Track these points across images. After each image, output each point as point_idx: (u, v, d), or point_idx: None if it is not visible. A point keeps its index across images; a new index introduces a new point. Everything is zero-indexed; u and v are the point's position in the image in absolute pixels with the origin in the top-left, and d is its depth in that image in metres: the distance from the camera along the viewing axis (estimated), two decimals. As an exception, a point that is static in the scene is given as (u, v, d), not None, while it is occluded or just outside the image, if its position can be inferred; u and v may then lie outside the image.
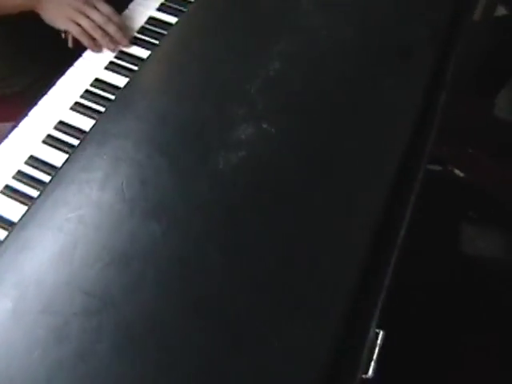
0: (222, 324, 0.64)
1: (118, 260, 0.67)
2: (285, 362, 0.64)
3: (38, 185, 0.84)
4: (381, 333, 0.65)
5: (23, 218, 0.70)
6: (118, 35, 1.00)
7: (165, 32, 1.03)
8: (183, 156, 0.76)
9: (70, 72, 0.99)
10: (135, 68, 0.98)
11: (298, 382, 0.63)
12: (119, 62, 1.00)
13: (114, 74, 0.98)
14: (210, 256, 0.69)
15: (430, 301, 1.29)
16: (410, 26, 0.91)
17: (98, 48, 1.01)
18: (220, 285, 0.67)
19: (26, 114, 0.93)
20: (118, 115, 0.79)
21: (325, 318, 0.67)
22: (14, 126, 0.91)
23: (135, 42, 1.02)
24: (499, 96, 1.67)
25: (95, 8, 0.99)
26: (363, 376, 0.63)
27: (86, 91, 0.96)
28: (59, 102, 0.94)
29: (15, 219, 0.80)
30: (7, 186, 0.85)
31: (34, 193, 0.84)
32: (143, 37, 1.03)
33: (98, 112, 0.93)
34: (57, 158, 0.88)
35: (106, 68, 0.99)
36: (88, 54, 1.01)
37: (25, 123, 0.92)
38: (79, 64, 1.00)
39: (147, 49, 1.01)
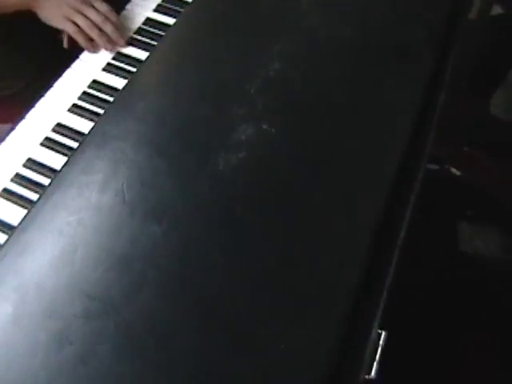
0: (224, 325, 0.64)
1: (119, 262, 0.67)
2: (286, 363, 0.64)
3: (36, 188, 0.84)
4: (383, 333, 0.65)
5: (23, 222, 0.69)
6: (114, 35, 0.99)
7: (162, 33, 1.03)
8: (183, 157, 0.75)
9: (67, 74, 0.98)
10: (133, 69, 0.98)
11: (300, 383, 0.63)
12: (116, 63, 0.99)
13: (112, 76, 0.98)
14: (211, 257, 0.69)
15: (429, 300, 1.29)
16: (408, 26, 0.91)
17: (94, 48, 1.00)
18: (221, 285, 0.67)
19: (23, 117, 0.92)
20: (117, 117, 0.79)
21: (326, 318, 0.67)
22: (12, 129, 0.91)
23: (132, 42, 1.02)
24: (494, 95, 1.67)
25: (92, 6, 0.98)
26: (366, 377, 0.63)
27: (84, 93, 0.95)
28: (57, 104, 0.94)
29: (14, 222, 0.80)
30: (5, 189, 0.84)
31: (32, 196, 0.83)
32: (140, 38, 1.02)
33: (96, 114, 0.92)
34: (55, 160, 0.87)
35: (104, 69, 0.99)
36: (85, 56, 1.00)
37: (22, 125, 0.91)
38: (76, 65, 0.99)
39: (145, 50, 1.01)
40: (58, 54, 1.12)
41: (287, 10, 0.93)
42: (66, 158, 0.87)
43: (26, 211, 0.81)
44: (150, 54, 0.92)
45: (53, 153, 0.88)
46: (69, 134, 0.90)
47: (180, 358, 0.62)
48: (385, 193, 0.75)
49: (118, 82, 0.97)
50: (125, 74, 0.98)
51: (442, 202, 1.43)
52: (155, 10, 1.07)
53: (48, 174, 0.86)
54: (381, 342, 0.65)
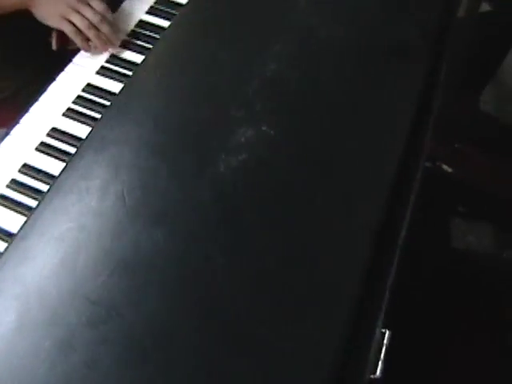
0: (234, 331, 0.64)
1: (121, 267, 0.66)
2: (288, 364, 0.64)
3: (33, 193, 0.83)
4: (387, 332, 0.66)
5: (23, 229, 0.68)
6: (111, 35, 0.98)
7: (155, 35, 1.02)
8: (183, 160, 0.75)
9: (61, 77, 0.97)
10: (127, 72, 0.98)
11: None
12: (110, 66, 0.99)
13: (106, 79, 0.97)
14: (213, 258, 0.69)
15: (422, 297, 1.30)
16: (404, 25, 0.91)
17: (90, 48, 0.98)
18: (226, 289, 0.67)
19: (17, 122, 0.91)
20: (114, 121, 0.78)
21: (328, 318, 0.67)
22: (6, 134, 0.90)
23: (126, 45, 1.01)
24: (484, 91, 1.69)
25: (89, 5, 0.96)
26: (371, 376, 0.63)
27: (78, 97, 0.94)
28: (51, 109, 0.93)
29: (11, 229, 0.79)
30: (1, 196, 0.84)
31: (29, 201, 0.83)
32: (134, 40, 1.02)
33: (91, 118, 0.92)
34: (51, 165, 0.87)
35: (98, 73, 0.98)
36: (78, 59, 0.99)
37: (17, 131, 0.91)
38: (70, 69, 0.98)
39: (138, 52, 1.00)
40: (49, 58, 1.11)
41: (283, 10, 0.93)
42: (62, 163, 0.87)
43: (22, 217, 0.81)
44: (146, 56, 0.91)
45: (48, 158, 0.88)
46: (64, 138, 0.90)
47: (186, 363, 0.62)
48: (385, 192, 0.75)
49: (113, 86, 0.96)
50: (119, 77, 0.97)
51: (434, 198, 1.43)
52: (148, 12, 1.07)
53: (44, 179, 0.85)
54: (385, 341, 0.65)
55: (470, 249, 1.45)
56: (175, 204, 0.72)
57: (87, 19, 0.95)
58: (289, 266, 0.70)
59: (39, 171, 0.86)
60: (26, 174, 0.86)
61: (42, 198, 0.71)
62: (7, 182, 0.85)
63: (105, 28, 0.96)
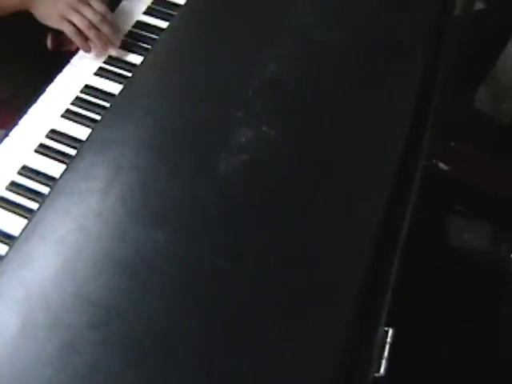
0: (234, 331, 0.64)
1: (123, 268, 0.66)
2: (291, 364, 0.64)
3: (33, 195, 0.83)
4: (390, 331, 0.66)
5: (24, 231, 0.68)
6: (111, 36, 0.97)
7: (153, 36, 1.03)
8: (183, 161, 0.75)
9: (59, 79, 0.97)
10: (125, 73, 0.97)
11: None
12: (108, 67, 0.99)
13: (104, 80, 0.97)
14: (214, 260, 0.69)
15: (419, 296, 1.30)
16: (403, 25, 0.91)
17: (90, 49, 0.97)
18: (226, 289, 0.67)
19: (16, 123, 0.91)
20: (114, 122, 0.78)
21: (331, 318, 0.67)
22: (5, 136, 0.90)
23: (123, 46, 1.00)
24: (479, 90, 1.69)
25: (89, 5, 0.95)
26: (375, 375, 0.64)
27: (77, 98, 0.94)
28: (50, 110, 0.93)
29: (11, 231, 0.79)
30: (1, 198, 0.83)
31: (28, 203, 0.82)
32: (131, 41, 1.01)
33: (90, 119, 0.92)
34: (50, 167, 0.86)
35: (96, 74, 0.98)
36: (76, 61, 0.99)
37: (16, 132, 0.90)
38: (68, 70, 0.98)
39: (136, 53, 1.00)
40: (45, 60, 1.11)
41: (281, 11, 0.93)
42: (61, 165, 0.86)
43: (22, 219, 0.81)
44: (145, 57, 0.91)
45: (48, 159, 0.88)
46: (63, 140, 0.90)
47: (181, 358, 0.62)
48: (385, 192, 0.76)
49: (111, 87, 0.96)
50: (117, 78, 0.97)
51: (430, 197, 1.44)
52: (145, 13, 1.07)
53: (44, 181, 0.85)
54: (388, 340, 0.65)
55: (467, 247, 1.46)
56: (176, 204, 0.72)
57: (87, 19, 0.94)
58: (289, 265, 0.71)
59: (38, 173, 0.86)
60: (25, 175, 0.86)
61: (43, 200, 0.71)
62: (7, 184, 0.85)
63: (105, 28, 0.96)
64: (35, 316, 0.62)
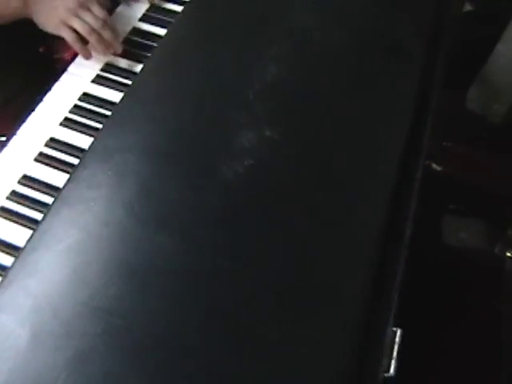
0: (239, 333, 0.64)
1: (132, 275, 0.66)
2: (295, 364, 0.64)
3: (34, 205, 0.83)
4: (398, 331, 0.66)
5: (30, 241, 0.68)
6: (113, 41, 0.96)
7: (149, 43, 1.03)
8: (188, 166, 0.75)
9: (57, 87, 0.96)
10: (122, 80, 0.97)
11: None
12: (106, 74, 0.98)
13: (102, 87, 0.97)
14: (220, 263, 0.69)
15: (415, 294, 1.31)
16: (402, 25, 0.92)
17: (90, 55, 0.97)
18: (230, 291, 0.67)
19: (14, 132, 0.91)
20: (117, 130, 0.78)
21: (341, 319, 0.67)
22: (4, 145, 0.89)
23: (120, 53, 1.00)
24: (470, 90, 1.71)
25: (89, 11, 0.94)
26: (385, 375, 0.64)
27: (75, 106, 0.94)
28: (48, 119, 0.93)
29: (12, 241, 0.79)
30: (2, 208, 0.83)
31: (30, 213, 0.82)
32: (128, 48, 1.01)
33: (89, 127, 0.91)
34: (51, 175, 0.86)
35: (93, 81, 0.98)
36: (73, 69, 0.99)
37: (14, 141, 0.90)
38: (65, 79, 0.98)
39: (133, 60, 1.00)
40: (38, 68, 1.10)
41: (280, 13, 0.93)
42: (61, 173, 0.86)
43: (24, 229, 0.80)
44: (145, 63, 0.91)
45: (48, 168, 0.87)
46: (63, 148, 0.89)
47: (203, 369, 0.62)
48: (386, 192, 0.76)
49: (109, 94, 0.96)
50: (115, 85, 0.97)
51: (424, 197, 1.45)
52: (141, 20, 1.07)
53: (45, 190, 0.85)
54: (397, 340, 0.66)
55: (462, 246, 1.47)
56: (182, 210, 0.72)
57: (88, 24, 0.93)
58: (301, 268, 0.71)
59: (39, 182, 0.86)
60: (25, 185, 0.85)
61: (48, 210, 0.70)
62: (7, 193, 0.84)
63: (106, 33, 0.95)
64: (45, 326, 0.61)
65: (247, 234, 0.72)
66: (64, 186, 0.73)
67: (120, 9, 1.08)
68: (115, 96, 0.95)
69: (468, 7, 1.73)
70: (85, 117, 0.93)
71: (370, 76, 0.86)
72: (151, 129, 0.78)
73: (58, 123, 0.92)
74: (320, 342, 0.65)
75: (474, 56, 1.63)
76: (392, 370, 0.64)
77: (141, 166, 0.75)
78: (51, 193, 0.84)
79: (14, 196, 0.84)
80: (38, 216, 0.81)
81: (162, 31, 1.05)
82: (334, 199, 0.77)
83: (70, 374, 0.57)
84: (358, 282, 0.70)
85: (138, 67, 0.98)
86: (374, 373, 0.64)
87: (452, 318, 1.31)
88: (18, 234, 0.80)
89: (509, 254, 1.40)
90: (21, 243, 0.77)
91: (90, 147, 0.76)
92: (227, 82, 0.84)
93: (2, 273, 0.75)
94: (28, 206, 0.83)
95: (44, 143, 0.90)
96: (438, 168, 1.60)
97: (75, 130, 0.92)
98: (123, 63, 1.00)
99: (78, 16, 0.93)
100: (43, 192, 0.85)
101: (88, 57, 0.97)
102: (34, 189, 0.85)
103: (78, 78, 0.98)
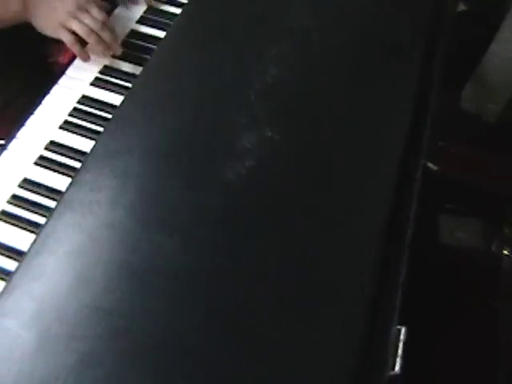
0: (239, 333, 0.64)
1: (136, 277, 0.66)
2: (295, 364, 0.64)
3: (35, 208, 0.83)
4: (403, 329, 0.67)
5: (34, 245, 0.67)
6: (112, 42, 0.96)
7: (147, 45, 1.03)
8: (190, 168, 0.75)
9: (55, 90, 0.96)
10: (121, 82, 0.98)
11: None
12: (104, 77, 0.99)
13: (101, 90, 0.97)
14: (223, 266, 0.69)
15: (412, 294, 1.31)
16: (402, 24, 0.93)
17: (89, 58, 0.97)
18: (232, 291, 0.67)
19: (14, 136, 0.90)
20: (118, 132, 0.78)
21: (341, 319, 0.68)
22: (4, 149, 0.89)
23: (118, 55, 1.00)
24: (465, 90, 1.72)
25: (88, 13, 0.94)
26: (391, 373, 0.64)
27: (74, 109, 0.94)
28: (48, 122, 0.93)
29: (14, 245, 0.79)
30: (3, 212, 0.82)
31: (31, 216, 0.82)
32: (126, 50, 1.01)
33: (89, 129, 0.91)
34: (51, 179, 0.86)
35: (92, 84, 0.97)
36: (72, 72, 0.99)
37: (14, 145, 0.90)
38: (64, 81, 0.97)
39: (131, 62, 1.00)
40: (41, 70, 1.10)
41: (280, 14, 0.94)
42: (62, 176, 0.86)
43: (25, 232, 0.80)
44: (145, 66, 0.91)
45: (48, 171, 0.87)
46: (62, 151, 0.89)
47: (207, 370, 0.62)
48: (387, 191, 0.77)
49: (108, 97, 0.96)
50: (114, 88, 0.97)
51: (421, 197, 1.45)
52: (138, 22, 1.07)
53: (45, 193, 0.85)
54: (401, 338, 0.66)
55: (459, 245, 1.47)
56: (184, 212, 0.72)
57: (88, 26, 0.93)
58: (305, 268, 0.71)
59: (40, 185, 0.85)
60: (26, 188, 0.85)
61: (51, 214, 0.70)
62: (8, 197, 0.84)
63: (106, 34, 0.95)
64: (51, 329, 0.61)
65: (247, 234, 0.72)
66: (67, 190, 0.72)
67: (118, 11, 1.08)
68: (114, 98, 0.96)
69: (462, 7, 1.74)
70: (84, 120, 0.93)
71: (370, 76, 0.87)
72: (152, 130, 0.78)
73: (58, 126, 0.92)
74: (320, 341, 0.65)
75: (468, 56, 1.64)
76: (397, 368, 0.65)
77: (142, 167, 0.75)
78: (52, 196, 0.84)
79: (15, 200, 0.84)
80: (38, 219, 0.81)
81: (159, 33, 1.05)
82: (334, 199, 0.77)
83: (76, 377, 0.57)
84: (357, 281, 0.70)
85: (136, 69, 0.99)
86: (379, 371, 0.64)
87: (450, 317, 1.31)
88: (18, 238, 0.80)
89: (506, 252, 1.41)
90: (22, 246, 0.78)
91: (91, 150, 0.76)
92: (227, 83, 0.84)
93: (3, 276, 0.75)
94: (29, 210, 0.83)
95: (44, 146, 0.90)
96: (434, 167, 1.61)
97: (75, 132, 0.92)
98: (122, 66, 1.00)
99: (77, 18, 0.93)
100: (44, 195, 0.85)
101: (86, 59, 0.96)
102: (35, 192, 0.85)
103: (77, 81, 0.98)
